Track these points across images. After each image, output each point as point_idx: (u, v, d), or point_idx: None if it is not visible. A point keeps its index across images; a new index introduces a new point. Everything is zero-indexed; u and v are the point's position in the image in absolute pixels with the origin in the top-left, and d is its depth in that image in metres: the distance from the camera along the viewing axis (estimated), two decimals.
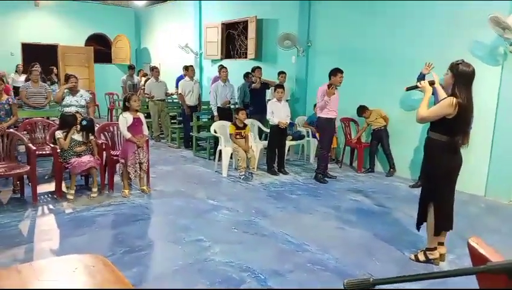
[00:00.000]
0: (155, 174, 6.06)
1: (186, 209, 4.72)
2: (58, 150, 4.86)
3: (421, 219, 3.52)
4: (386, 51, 6.51)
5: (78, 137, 4.99)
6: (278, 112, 6.31)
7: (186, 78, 8.31)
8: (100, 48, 13.55)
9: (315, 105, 7.23)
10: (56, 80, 10.73)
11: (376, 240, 3.97)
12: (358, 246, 3.84)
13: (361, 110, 6.64)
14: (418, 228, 3.59)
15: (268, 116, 6.40)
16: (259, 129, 7.21)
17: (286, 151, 6.82)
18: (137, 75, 10.79)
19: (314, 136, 7.21)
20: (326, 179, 6.06)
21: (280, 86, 6.71)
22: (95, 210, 4.56)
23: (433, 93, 5.61)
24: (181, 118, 8.68)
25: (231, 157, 6.40)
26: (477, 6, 5.24)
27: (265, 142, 6.80)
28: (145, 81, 9.90)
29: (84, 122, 4.99)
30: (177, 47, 11.01)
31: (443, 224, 3.38)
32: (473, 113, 3.26)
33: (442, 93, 3.44)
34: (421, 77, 5.50)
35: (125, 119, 4.96)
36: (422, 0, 5.91)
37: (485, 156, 5.40)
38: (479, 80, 5.13)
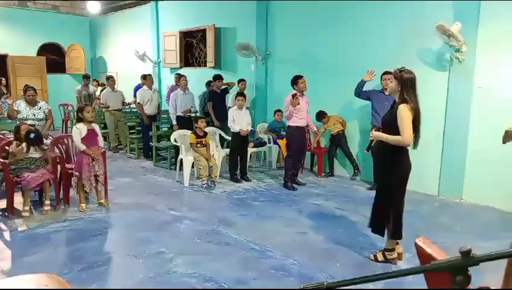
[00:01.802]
0: (113, 186, 5.88)
1: (146, 221, 4.61)
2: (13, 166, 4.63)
3: (381, 224, 3.56)
4: (340, 59, 6.71)
5: (32, 152, 4.75)
6: (239, 119, 6.33)
7: (145, 87, 8.17)
8: (53, 57, 13.06)
9: (275, 112, 7.36)
10: (4, 92, 10.20)
11: (337, 243, 4.05)
12: (320, 249, 3.91)
13: (321, 115, 6.78)
14: (382, 233, 3.62)
15: (229, 124, 6.40)
16: (221, 137, 7.19)
17: (248, 158, 6.85)
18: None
19: (275, 143, 7.29)
20: (295, 186, 6.07)
21: (241, 94, 6.75)
22: (50, 226, 4.36)
23: (370, 100, 5.89)
24: (140, 128, 8.51)
25: (193, 167, 6.33)
26: (425, 16, 5.52)
27: (227, 150, 6.79)
28: (101, 91, 9.63)
29: (31, 135, 4.72)
30: (135, 56, 10.81)
31: (400, 229, 3.49)
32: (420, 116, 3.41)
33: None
34: (362, 84, 5.72)
35: (79, 130, 4.81)
36: (374, 7, 6.17)
37: (436, 158, 5.67)
38: (428, 85, 5.44)
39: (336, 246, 3.96)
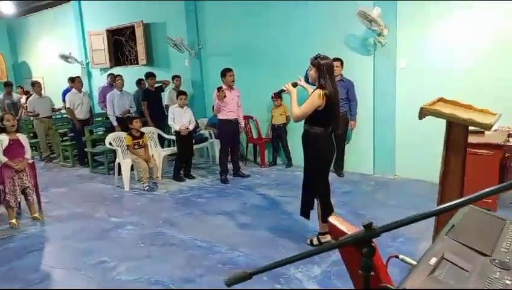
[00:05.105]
0: (48, 198, 5.56)
1: (85, 231, 4.40)
2: None
3: (308, 207, 3.72)
4: (275, 50, 6.77)
5: None
6: (179, 118, 6.21)
7: (74, 90, 7.74)
8: None
9: (213, 106, 7.29)
10: None
11: (281, 229, 4.14)
12: (264, 238, 3.96)
13: (277, 96, 6.67)
14: (308, 217, 3.77)
15: (169, 122, 6.27)
16: (161, 136, 7.01)
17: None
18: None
19: (217, 137, 7.25)
20: (227, 179, 6.06)
21: (182, 92, 6.57)
22: None
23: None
24: (72, 134, 8.07)
25: (132, 169, 6.13)
26: (348, 3, 5.70)
27: (168, 149, 6.63)
28: (27, 98, 8.99)
29: None
30: (60, 58, 10.20)
31: (329, 210, 3.62)
32: (339, 101, 3.54)
33: (309, 89, 3.63)
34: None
35: (1, 141, 4.47)
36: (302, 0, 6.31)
37: (369, 138, 5.95)
38: (356, 69, 5.67)
39: (279, 233, 4.04)
